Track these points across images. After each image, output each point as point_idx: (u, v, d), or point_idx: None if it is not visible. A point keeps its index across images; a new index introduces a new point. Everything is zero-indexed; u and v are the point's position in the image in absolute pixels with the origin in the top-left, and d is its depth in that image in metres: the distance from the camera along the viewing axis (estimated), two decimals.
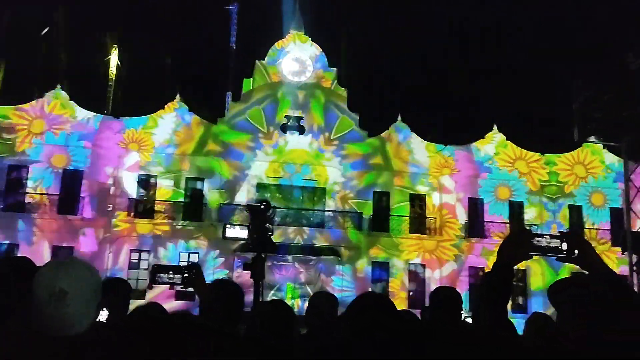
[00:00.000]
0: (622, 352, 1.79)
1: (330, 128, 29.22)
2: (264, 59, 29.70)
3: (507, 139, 30.87)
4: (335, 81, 29.97)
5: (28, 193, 25.88)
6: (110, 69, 33.07)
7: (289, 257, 26.89)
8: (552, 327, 2.84)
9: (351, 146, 29.19)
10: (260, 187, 28.06)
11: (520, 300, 28.76)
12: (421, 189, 29.39)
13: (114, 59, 33.23)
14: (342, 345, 2.20)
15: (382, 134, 29.80)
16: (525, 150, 30.83)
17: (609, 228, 29.80)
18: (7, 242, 25.16)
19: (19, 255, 13.33)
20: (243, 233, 7.71)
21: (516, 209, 30.36)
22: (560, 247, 2.34)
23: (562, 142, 29.60)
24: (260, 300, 7.12)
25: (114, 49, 33.28)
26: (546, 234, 2.37)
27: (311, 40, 30.40)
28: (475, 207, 29.88)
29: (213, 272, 24.95)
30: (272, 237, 7.68)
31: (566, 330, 1.82)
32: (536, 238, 2.34)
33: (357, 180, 28.90)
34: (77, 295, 1.99)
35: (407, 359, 2.11)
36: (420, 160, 29.64)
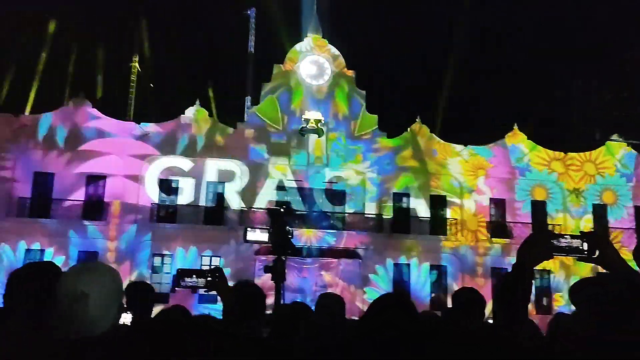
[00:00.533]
0: (628, 352, 1.77)
1: (356, 116, 29.19)
2: (282, 63, 29.83)
3: (528, 138, 30.56)
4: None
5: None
6: (131, 75, 33.55)
7: (310, 260, 26.94)
8: (562, 328, 2.82)
9: (378, 143, 29.17)
10: (281, 189, 28.14)
11: (544, 301, 28.39)
12: (446, 191, 29.26)
13: (134, 65, 33.70)
14: (342, 345, 2.22)
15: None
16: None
17: (627, 227, 29.39)
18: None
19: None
20: (264, 236, 7.77)
21: (540, 209, 30.00)
22: (581, 247, 2.32)
23: (584, 140, 29.21)
24: (282, 302, 7.15)
25: (134, 55, 33.76)
26: (567, 234, 2.36)
27: (329, 43, 30.47)
28: (500, 208, 29.62)
29: (235, 276, 25.11)
30: (292, 239, 7.72)
31: (576, 330, 1.82)
32: (557, 238, 2.33)
33: (380, 181, 28.80)
34: (98, 298, 2.06)
35: (404, 359, 2.12)
36: (448, 162, 29.51)
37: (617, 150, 30.44)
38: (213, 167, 27.89)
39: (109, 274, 2.19)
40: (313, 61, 29.91)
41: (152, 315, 4.05)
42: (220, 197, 27.88)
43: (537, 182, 30.02)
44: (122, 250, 26.19)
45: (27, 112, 27.93)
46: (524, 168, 30.06)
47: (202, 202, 27.56)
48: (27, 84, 29.51)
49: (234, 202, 27.64)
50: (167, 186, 27.63)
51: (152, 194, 27.19)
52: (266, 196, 27.62)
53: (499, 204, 29.73)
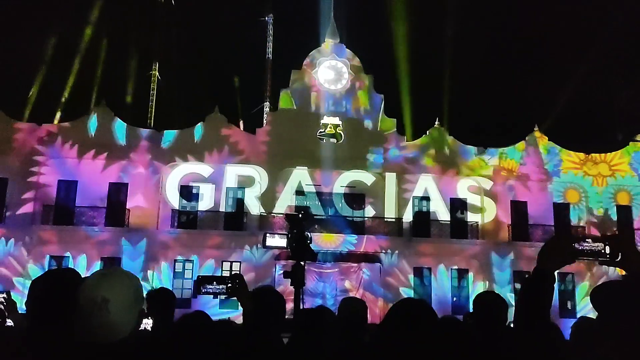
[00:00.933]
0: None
1: (374, 120, 29.23)
2: (300, 69, 29.92)
3: (549, 140, 30.22)
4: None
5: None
6: (152, 83, 33.98)
7: (330, 264, 26.92)
8: (585, 332, 2.77)
9: (397, 146, 29.19)
10: (300, 194, 28.18)
11: (569, 304, 27.97)
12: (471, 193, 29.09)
13: (154, 73, 34.14)
14: (362, 349, 2.21)
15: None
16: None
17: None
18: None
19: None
20: (282, 242, 7.81)
21: (562, 212, 29.62)
22: (603, 251, 2.29)
23: (607, 141, 28.79)
24: (301, 307, 7.17)
25: (154, 64, 34.20)
26: (588, 237, 2.33)
27: (346, 47, 30.51)
28: (522, 210, 29.32)
29: (255, 281, 25.22)
30: (310, 244, 7.73)
31: (599, 335, 1.79)
32: (578, 241, 2.31)
33: (399, 185, 28.70)
34: (119, 303, 2.09)
35: None
36: (468, 164, 29.33)
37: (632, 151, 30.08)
38: (233, 172, 28.06)
39: (128, 280, 2.21)
40: (331, 66, 29.97)
41: (174, 321, 4.09)
42: (240, 203, 28.04)
43: (565, 184, 29.63)
44: (144, 256, 26.45)
45: (53, 121, 28.39)
46: (545, 169, 29.69)
47: (222, 208, 27.74)
48: (51, 93, 30.07)
49: (254, 207, 27.77)
50: (187, 192, 27.87)
51: (172, 200, 27.45)
52: (286, 201, 27.68)
53: (520, 206, 29.41)
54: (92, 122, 27.57)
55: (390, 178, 28.65)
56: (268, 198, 27.77)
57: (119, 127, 27.75)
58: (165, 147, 27.76)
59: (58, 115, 28.81)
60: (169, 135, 28.07)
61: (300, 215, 7.72)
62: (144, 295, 2.30)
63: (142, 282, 2.31)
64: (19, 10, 43.36)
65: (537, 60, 49.14)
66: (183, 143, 27.92)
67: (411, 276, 27.89)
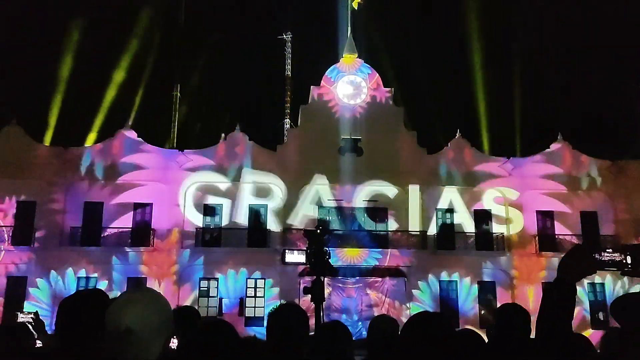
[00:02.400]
0: None
1: (395, 133, 29.21)
2: (319, 85, 30.08)
3: (573, 148, 29.78)
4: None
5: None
6: (174, 104, 34.49)
7: (355, 279, 26.79)
8: (613, 344, 2.71)
9: (419, 159, 29.12)
10: (321, 209, 28.17)
11: (601, 315, 27.30)
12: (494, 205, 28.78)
13: (176, 94, 34.66)
14: None
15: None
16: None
17: None
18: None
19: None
20: (301, 258, 7.81)
21: (589, 220, 29.08)
22: (625, 261, 2.28)
23: (634, 147, 28.28)
24: (322, 322, 7.14)
25: (176, 84, 34.75)
26: (609, 248, 2.32)
27: (365, 62, 30.62)
28: (548, 220, 28.89)
29: (280, 297, 25.23)
30: (329, 260, 7.70)
31: (622, 346, 1.77)
32: (598, 252, 2.29)
33: (423, 198, 28.49)
34: (144, 332, 2.08)
35: None
36: (491, 175, 29.08)
37: None
38: (254, 189, 28.19)
39: (153, 305, 2.18)
40: (349, 81, 30.07)
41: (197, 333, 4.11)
42: (262, 219, 28.13)
43: (590, 192, 29.13)
44: (170, 276, 26.65)
45: (78, 144, 28.92)
46: (566, 178, 29.23)
47: (245, 225, 27.85)
48: (74, 116, 30.70)
49: (276, 223, 27.82)
50: (210, 210, 28.07)
51: (196, 218, 27.65)
52: (307, 216, 27.68)
53: (546, 216, 28.96)
54: (116, 144, 28.02)
55: (413, 191, 28.46)
56: (289, 213, 27.82)
57: (144, 148, 28.18)
58: (186, 165, 28.03)
59: (85, 137, 29.36)
60: (191, 155, 28.37)
61: (318, 231, 7.70)
62: (171, 316, 2.30)
63: (168, 305, 2.28)
64: (39, 33, 44.61)
65: (558, 67, 48.60)
66: (205, 162, 28.17)
67: (436, 290, 27.57)
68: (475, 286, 27.76)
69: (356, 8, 31.02)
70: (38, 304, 24.54)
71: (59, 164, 27.29)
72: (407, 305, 26.75)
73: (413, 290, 27.20)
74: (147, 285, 25.54)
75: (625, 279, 26.66)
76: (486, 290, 27.85)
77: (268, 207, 28.17)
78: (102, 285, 25.33)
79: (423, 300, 27.03)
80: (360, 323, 25.29)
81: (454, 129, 30.05)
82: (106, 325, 2.13)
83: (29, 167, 26.76)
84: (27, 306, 24.34)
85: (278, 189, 28.23)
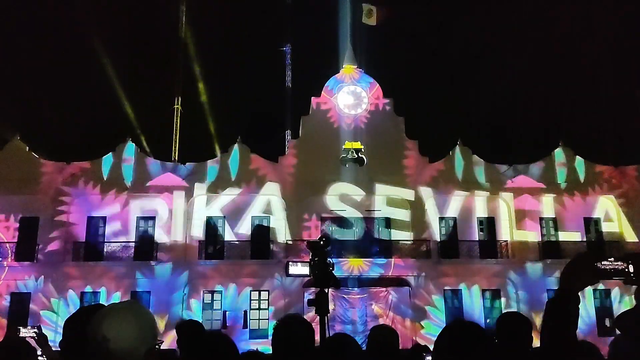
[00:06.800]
0: None
1: (396, 143, 29.26)
2: (319, 96, 30.17)
3: (575, 154, 29.77)
4: None
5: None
6: (175, 117, 34.52)
7: (359, 290, 26.70)
8: (620, 351, 2.69)
9: (421, 168, 29.10)
10: (325, 219, 28.16)
11: (607, 322, 27.10)
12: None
13: (177, 107, 34.72)
14: None
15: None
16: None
17: None
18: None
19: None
20: (305, 269, 7.77)
21: (593, 227, 29.02)
22: (627, 270, 2.27)
23: (636, 153, 28.25)
24: (327, 334, 7.11)
25: (177, 97, 34.80)
26: (611, 257, 2.31)
27: (365, 72, 30.72)
28: (551, 226, 28.83)
29: (285, 309, 25.13)
30: (333, 271, 7.68)
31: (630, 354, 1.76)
32: (600, 261, 2.28)
33: (426, 206, 28.48)
34: (120, 341, 2.12)
35: None
36: (493, 182, 29.06)
37: None
38: (257, 201, 28.21)
39: (132, 316, 2.22)
40: (350, 91, 30.17)
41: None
42: (265, 231, 28.10)
43: (595, 197, 29.07)
44: (174, 289, 26.60)
45: (80, 159, 28.95)
46: (573, 183, 29.18)
47: (248, 237, 27.83)
48: (76, 130, 30.82)
49: (279, 235, 27.80)
50: (213, 223, 28.08)
51: (199, 231, 27.65)
52: (310, 227, 27.68)
53: (549, 223, 28.90)
54: (118, 158, 28.12)
55: (417, 199, 28.46)
56: (293, 225, 27.80)
57: (145, 162, 28.24)
58: (189, 178, 28.08)
59: (84, 153, 29.42)
60: (194, 167, 28.42)
61: (321, 242, 7.68)
62: (156, 331, 2.33)
63: (179, 314, 2.30)
64: (40, 48, 44.86)
65: (560, 74, 48.65)
66: (207, 174, 28.23)
67: (441, 298, 27.47)
68: (480, 294, 27.63)
69: (374, 24, 31.22)
70: (42, 321, 24.45)
71: (61, 179, 27.36)
72: (412, 314, 26.64)
73: (417, 300, 27.07)
74: (152, 299, 25.60)
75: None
76: (492, 298, 27.73)
77: (271, 218, 28.17)
78: (107, 300, 25.27)
79: (428, 309, 26.90)
80: (365, 333, 25.16)
81: (455, 137, 30.09)
82: (88, 336, 2.18)
83: (32, 183, 26.83)
84: (31, 322, 24.28)
85: (281, 200, 28.24)
